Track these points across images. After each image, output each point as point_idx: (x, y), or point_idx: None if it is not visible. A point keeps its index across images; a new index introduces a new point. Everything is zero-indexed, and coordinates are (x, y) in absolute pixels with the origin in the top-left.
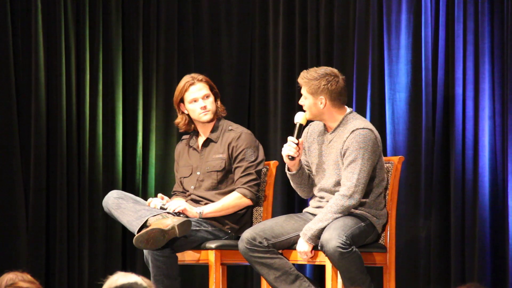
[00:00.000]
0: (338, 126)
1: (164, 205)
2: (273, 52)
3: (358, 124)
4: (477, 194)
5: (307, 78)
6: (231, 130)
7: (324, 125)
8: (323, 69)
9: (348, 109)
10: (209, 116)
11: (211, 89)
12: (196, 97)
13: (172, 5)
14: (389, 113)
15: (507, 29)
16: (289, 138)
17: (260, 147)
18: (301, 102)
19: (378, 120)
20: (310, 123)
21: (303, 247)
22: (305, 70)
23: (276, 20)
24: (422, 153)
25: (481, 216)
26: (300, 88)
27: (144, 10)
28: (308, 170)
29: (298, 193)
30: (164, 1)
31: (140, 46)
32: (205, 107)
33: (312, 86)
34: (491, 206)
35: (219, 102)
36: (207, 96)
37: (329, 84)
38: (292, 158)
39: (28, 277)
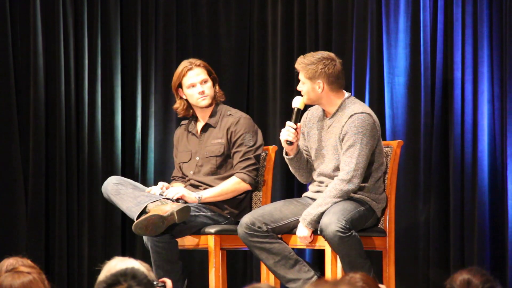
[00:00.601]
0: (337, 111)
1: (163, 192)
2: (271, 37)
3: (357, 109)
4: (476, 177)
5: (304, 63)
6: (229, 115)
7: (323, 110)
8: (320, 54)
9: (347, 94)
10: (207, 101)
11: (209, 74)
12: (194, 82)
13: None
14: (388, 97)
15: (505, 13)
16: (287, 123)
17: (259, 131)
18: (299, 87)
19: (377, 104)
20: (309, 108)
21: (302, 232)
22: (301, 56)
23: (274, 4)
24: (421, 137)
25: (480, 200)
26: (298, 73)
27: None
28: (307, 154)
29: (297, 177)
30: None
31: (138, 31)
32: (203, 92)
33: (310, 71)
34: (490, 189)
35: (217, 87)
36: (205, 81)
37: (326, 68)
38: (290, 143)
39: (28, 262)
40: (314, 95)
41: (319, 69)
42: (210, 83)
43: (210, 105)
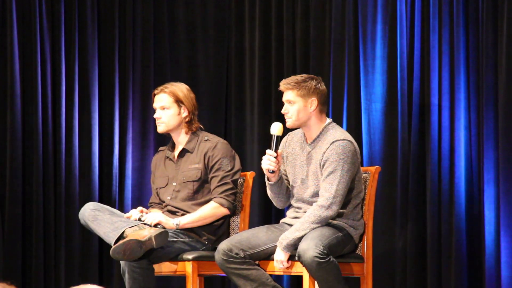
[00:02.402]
0: (318, 136)
1: (141, 217)
2: (249, 63)
3: (338, 136)
4: (453, 204)
5: (295, 82)
6: (207, 140)
7: (303, 135)
8: (305, 75)
9: (328, 120)
10: (161, 128)
11: (178, 101)
12: (155, 107)
13: (148, 16)
14: (365, 123)
15: (482, 40)
16: (267, 151)
17: (237, 156)
18: (284, 110)
19: (354, 130)
20: (289, 133)
21: (279, 256)
22: (287, 78)
23: (252, 31)
24: (398, 163)
25: (457, 226)
26: (281, 97)
27: (120, 22)
28: (286, 180)
29: (274, 203)
30: (139, 13)
31: (116, 58)
32: (159, 118)
33: (303, 88)
34: (467, 216)
35: (191, 115)
36: (165, 108)
37: (319, 85)
38: (272, 171)
39: None
40: (304, 115)
41: (313, 86)
42: (172, 111)
43: (165, 132)
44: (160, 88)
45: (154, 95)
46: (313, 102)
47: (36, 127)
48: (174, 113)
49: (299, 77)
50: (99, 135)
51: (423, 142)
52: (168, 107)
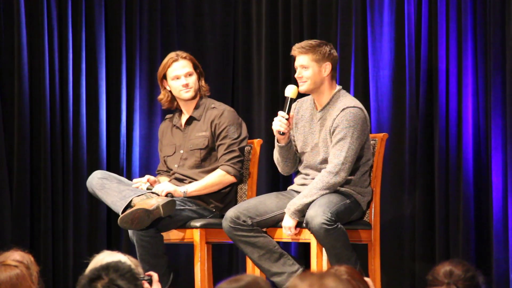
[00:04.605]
0: (328, 103)
1: (150, 186)
2: (256, 31)
3: (349, 103)
4: (461, 170)
5: (309, 46)
6: (213, 108)
7: (313, 102)
8: (317, 40)
9: (338, 87)
10: (190, 94)
11: (195, 67)
12: (179, 74)
13: None
14: (373, 91)
15: (489, 6)
16: (280, 112)
17: (243, 124)
18: (298, 74)
19: (362, 98)
20: (298, 100)
21: (287, 222)
22: (302, 42)
23: None
24: (406, 130)
25: (465, 193)
26: (290, 62)
27: None
28: (294, 145)
29: (280, 168)
30: None
31: (122, 25)
32: (187, 85)
33: (318, 52)
34: (475, 182)
35: (203, 81)
36: (190, 74)
37: (333, 51)
38: (283, 133)
39: (30, 258)
40: (318, 78)
41: (328, 51)
42: (195, 76)
43: (193, 98)
44: (177, 54)
45: (171, 62)
46: (327, 66)
47: (43, 95)
48: (196, 78)
49: (313, 42)
50: (106, 103)
51: (431, 109)
52: (191, 73)
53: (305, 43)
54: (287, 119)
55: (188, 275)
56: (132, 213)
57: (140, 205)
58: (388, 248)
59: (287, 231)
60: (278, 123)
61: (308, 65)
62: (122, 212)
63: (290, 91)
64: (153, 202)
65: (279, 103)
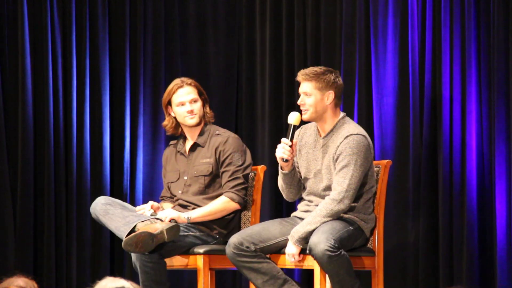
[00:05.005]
0: (332, 130)
1: (154, 213)
2: (260, 57)
3: (352, 130)
4: (465, 197)
5: (314, 73)
6: (218, 134)
7: (317, 128)
8: (324, 67)
9: (342, 114)
10: (195, 120)
11: (200, 94)
12: (184, 101)
13: (159, 9)
14: (377, 117)
15: (493, 33)
16: (283, 140)
17: (248, 151)
18: (301, 101)
19: (366, 124)
20: (302, 126)
21: (291, 249)
22: (306, 68)
23: (263, 25)
24: (410, 157)
25: (469, 219)
26: (294, 89)
27: (131, 15)
28: (297, 171)
29: (284, 195)
30: (150, 6)
31: (126, 51)
32: (191, 111)
33: (322, 80)
34: (479, 209)
35: (207, 108)
36: (195, 101)
37: (337, 79)
38: (286, 160)
39: (34, 285)
40: (321, 108)
41: (332, 79)
42: (200, 103)
43: (198, 124)
44: (182, 80)
45: (176, 89)
46: (330, 95)
47: (47, 121)
48: (201, 105)
49: (318, 69)
50: (110, 129)
51: (434, 136)
52: (196, 99)
53: (310, 69)
54: (290, 146)
55: None
56: (136, 236)
57: (145, 229)
58: (392, 275)
59: (290, 258)
60: (281, 150)
61: (311, 92)
62: (126, 236)
63: (293, 118)
64: (157, 226)
65: (282, 129)
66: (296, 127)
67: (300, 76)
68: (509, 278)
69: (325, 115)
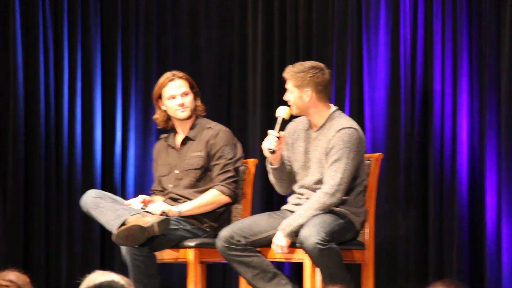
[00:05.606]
0: (324, 123)
1: (144, 206)
2: (252, 50)
3: (344, 123)
4: (455, 191)
5: (293, 71)
6: (209, 128)
7: (309, 122)
8: (309, 63)
9: (334, 107)
10: (186, 114)
11: (191, 87)
12: (174, 94)
13: (151, 3)
14: (368, 111)
15: (485, 26)
16: (270, 131)
17: (239, 144)
18: (286, 97)
19: (357, 118)
20: (294, 120)
21: (280, 241)
22: (291, 65)
23: (255, 18)
24: (401, 151)
25: (459, 213)
26: (284, 83)
27: (123, 9)
28: (288, 166)
29: (276, 188)
30: (143, 0)
31: (118, 45)
32: (182, 105)
33: (298, 79)
34: (469, 202)
35: (199, 101)
36: (186, 94)
37: (314, 77)
38: (273, 152)
39: (25, 279)
40: (302, 104)
41: (308, 77)
42: (191, 96)
43: (189, 117)
44: (173, 74)
45: (167, 82)
46: (308, 92)
47: (38, 115)
48: (192, 98)
49: (297, 68)
50: (101, 123)
51: (425, 129)
52: (187, 93)
53: (289, 68)
54: (277, 138)
55: None
56: (127, 229)
57: (135, 222)
58: (382, 269)
59: (278, 249)
60: (268, 141)
61: (291, 90)
62: (117, 229)
63: (282, 111)
64: (148, 220)
65: (274, 123)
66: (284, 120)
67: (284, 72)
68: (498, 271)
69: (310, 110)
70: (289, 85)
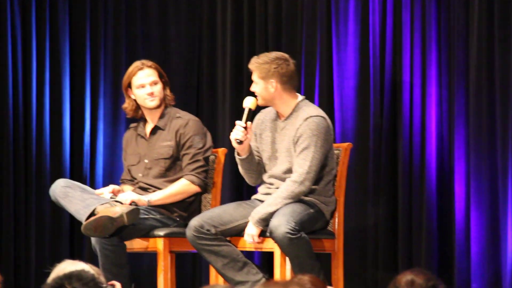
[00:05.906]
0: (291, 113)
1: (114, 196)
2: (221, 40)
3: (311, 112)
4: (424, 180)
5: (257, 63)
6: (178, 117)
7: (277, 112)
8: (274, 54)
9: (300, 97)
10: (155, 103)
11: (160, 76)
12: (144, 83)
13: None
14: (338, 101)
15: (453, 17)
16: (237, 122)
17: (208, 134)
18: (252, 88)
19: (327, 107)
20: (262, 110)
21: (251, 230)
22: (255, 56)
23: (224, 6)
24: (370, 140)
25: (428, 202)
26: (251, 74)
27: None
28: (257, 156)
29: (246, 179)
30: None
31: (87, 33)
32: (151, 94)
33: (263, 70)
34: (438, 192)
35: (168, 91)
36: (155, 83)
37: (279, 68)
38: (240, 142)
39: None
40: (267, 95)
41: (272, 69)
42: (160, 85)
43: (158, 106)
44: (142, 63)
45: (136, 71)
46: (272, 84)
47: (6, 104)
48: (161, 87)
49: (261, 59)
50: (70, 112)
51: (394, 119)
52: (157, 82)
53: (254, 59)
54: (244, 128)
55: (151, 285)
56: (96, 220)
57: (104, 213)
58: (351, 258)
59: (249, 238)
60: (235, 132)
61: (256, 81)
62: (86, 220)
63: (249, 102)
64: (117, 210)
65: (243, 112)
66: (251, 111)
67: (249, 64)
68: (467, 260)
69: (276, 101)
70: (254, 77)
